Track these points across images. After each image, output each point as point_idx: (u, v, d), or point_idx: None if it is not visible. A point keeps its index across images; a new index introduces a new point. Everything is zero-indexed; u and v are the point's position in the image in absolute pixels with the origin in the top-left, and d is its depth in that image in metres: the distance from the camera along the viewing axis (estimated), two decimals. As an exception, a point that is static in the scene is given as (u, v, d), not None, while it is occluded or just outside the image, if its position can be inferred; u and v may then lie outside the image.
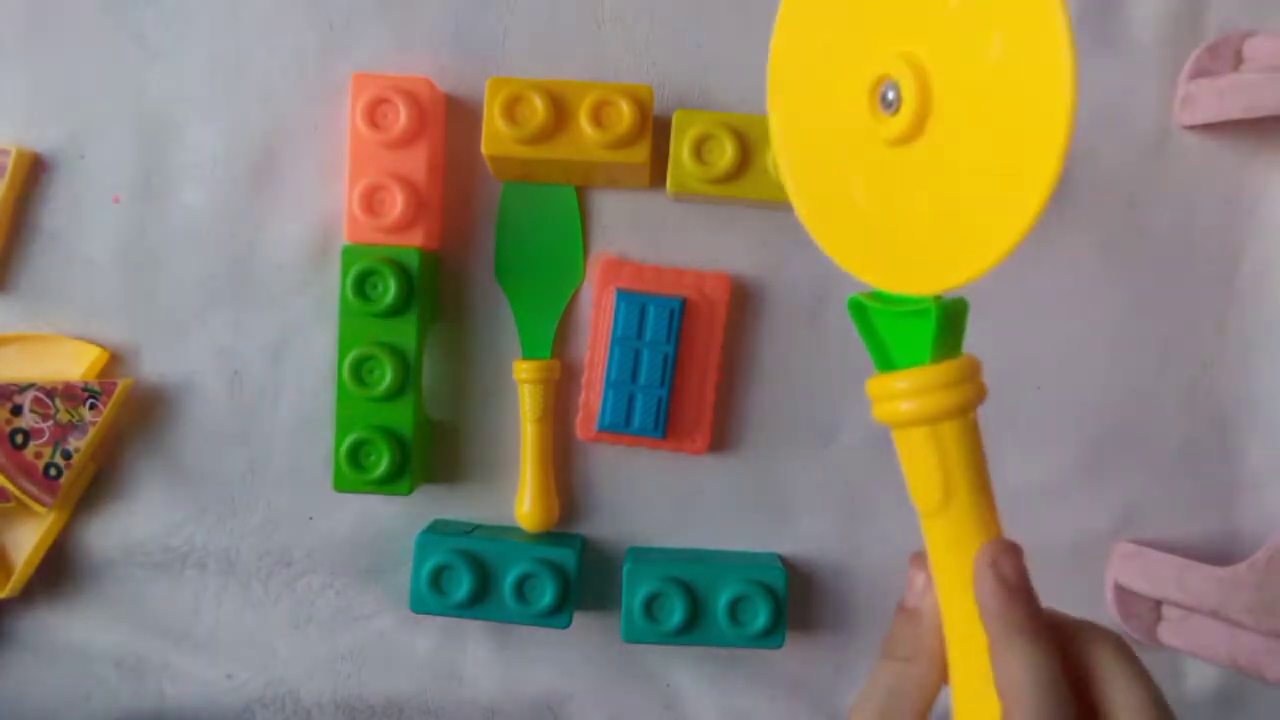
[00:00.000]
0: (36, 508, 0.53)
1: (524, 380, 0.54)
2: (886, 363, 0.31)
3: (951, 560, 0.30)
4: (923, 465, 0.30)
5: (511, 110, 0.51)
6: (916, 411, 0.30)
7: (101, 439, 0.55)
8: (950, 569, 0.30)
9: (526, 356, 0.55)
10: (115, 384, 0.54)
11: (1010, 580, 0.29)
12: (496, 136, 0.51)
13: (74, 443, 0.53)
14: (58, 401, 0.53)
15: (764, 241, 0.55)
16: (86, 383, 0.54)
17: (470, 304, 0.56)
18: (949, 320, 0.29)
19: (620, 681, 0.57)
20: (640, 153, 0.51)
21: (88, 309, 0.56)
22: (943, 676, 0.31)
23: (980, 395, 0.30)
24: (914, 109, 0.27)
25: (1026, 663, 0.28)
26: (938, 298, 0.30)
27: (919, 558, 0.32)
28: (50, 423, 0.53)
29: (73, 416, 0.53)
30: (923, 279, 0.29)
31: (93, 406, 0.53)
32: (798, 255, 0.55)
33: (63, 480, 0.53)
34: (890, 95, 0.28)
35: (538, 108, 0.50)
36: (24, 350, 0.55)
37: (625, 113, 0.50)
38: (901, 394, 0.30)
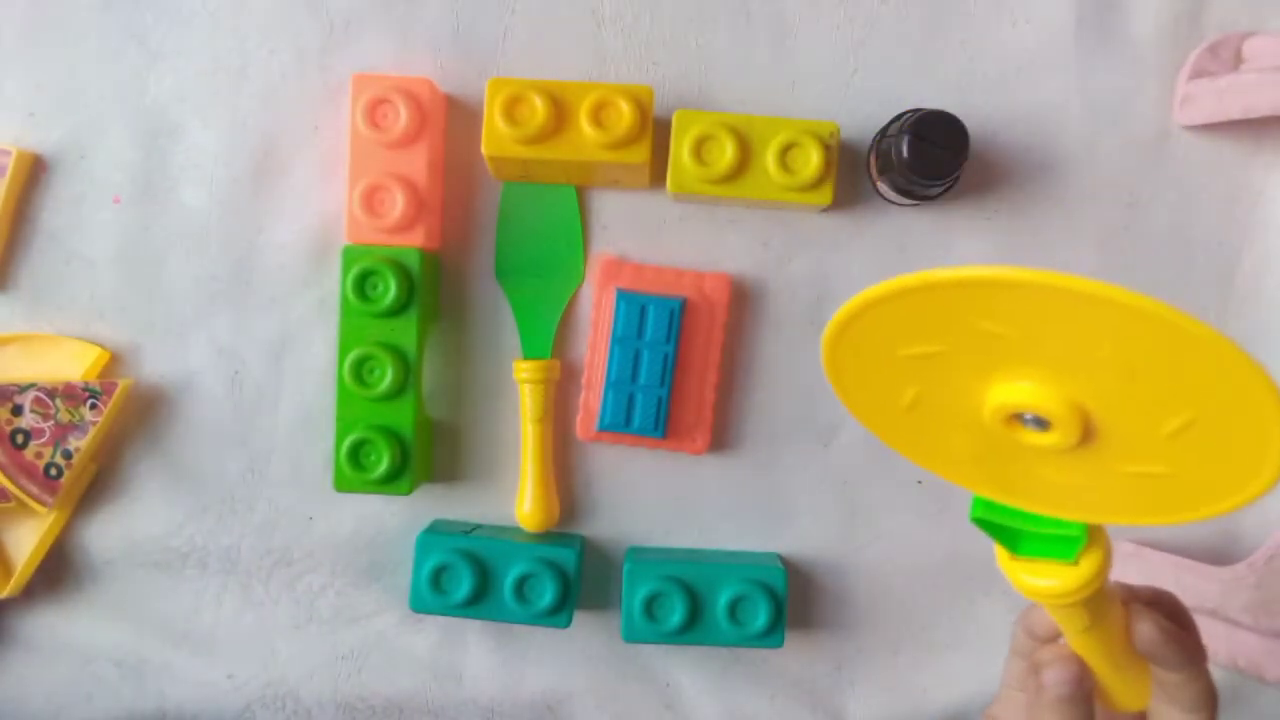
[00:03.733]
0: (37, 508, 0.53)
1: (524, 380, 0.54)
2: (1014, 546, 0.33)
3: (1108, 656, 0.34)
4: (1072, 619, 0.33)
5: (511, 110, 0.51)
6: (1073, 598, 0.31)
7: (102, 439, 0.55)
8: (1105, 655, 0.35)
9: (527, 356, 0.55)
10: (115, 384, 0.54)
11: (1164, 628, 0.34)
12: (496, 137, 0.51)
13: (74, 443, 0.53)
14: (58, 402, 0.53)
15: (764, 241, 0.55)
16: (87, 383, 0.54)
17: (470, 304, 0.56)
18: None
19: (620, 681, 0.57)
20: (640, 153, 0.51)
21: (88, 309, 0.56)
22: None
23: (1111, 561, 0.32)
24: (1070, 437, 0.27)
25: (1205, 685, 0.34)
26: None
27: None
28: (51, 423, 0.53)
29: (73, 416, 0.53)
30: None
31: (93, 406, 0.53)
32: (798, 255, 0.56)
33: (63, 480, 0.53)
34: (1031, 421, 0.27)
35: (538, 108, 0.50)
36: (25, 350, 0.55)
37: (625, 113, 0.50)
38: (1055, 593, 0.31)
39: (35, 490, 0.53)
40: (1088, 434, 0.27)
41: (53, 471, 0.53)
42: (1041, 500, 0.31)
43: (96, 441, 0.54)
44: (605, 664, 0.57)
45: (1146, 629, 0.34)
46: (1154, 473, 0.28)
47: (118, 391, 0.54)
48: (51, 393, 0.53)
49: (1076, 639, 0.34)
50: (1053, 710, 0.35)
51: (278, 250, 0.56)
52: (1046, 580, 0.31)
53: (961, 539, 0.56)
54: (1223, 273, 0.56)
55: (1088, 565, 0.31)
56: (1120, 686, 0.36)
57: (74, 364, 0.55)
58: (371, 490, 0.53)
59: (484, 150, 0.52)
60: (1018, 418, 0.28)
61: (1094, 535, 0.31)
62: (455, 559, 0.52)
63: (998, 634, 0.57)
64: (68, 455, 0.53)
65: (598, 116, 0.51)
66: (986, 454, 0.30)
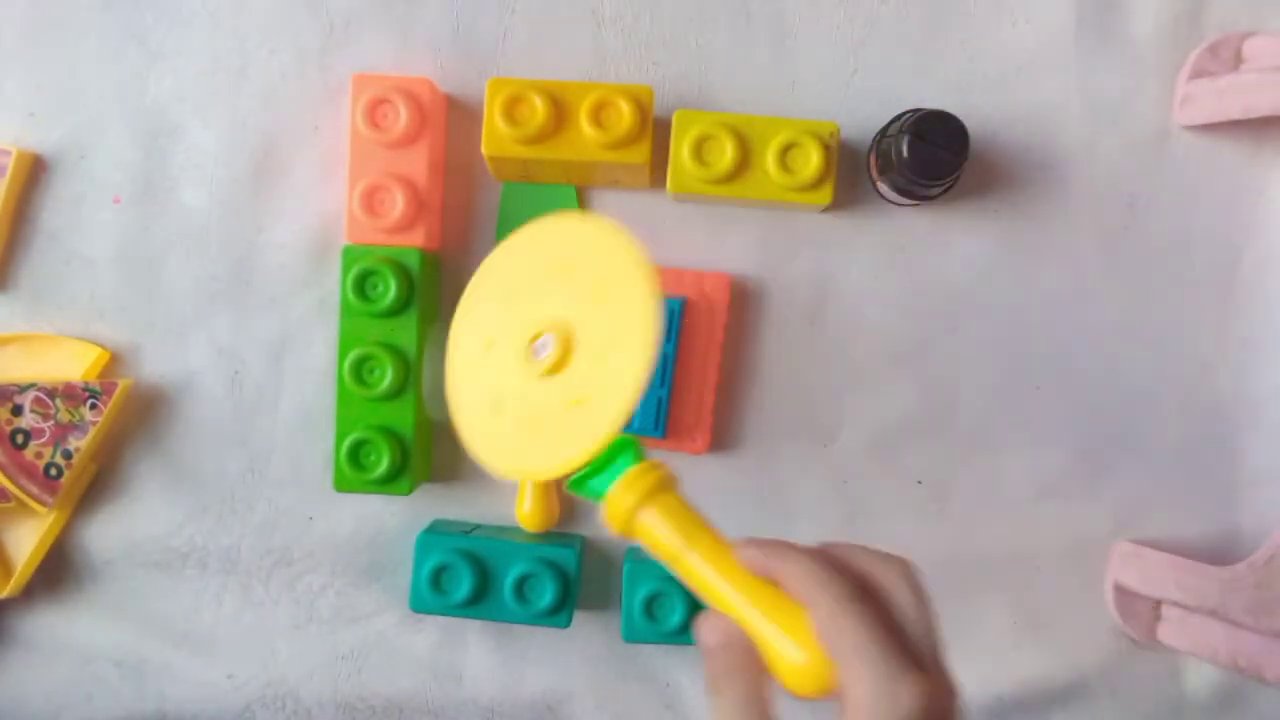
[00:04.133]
0: (37, 508, 0.53)
1: None
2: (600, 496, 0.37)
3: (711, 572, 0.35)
4: (654, 544, 0.36)
5: (511, 110, 0.51)
6: (621, 520, 0.36)
7: (102, 439, 0.55)
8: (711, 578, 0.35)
9: None
10: (115, 384, 0.54)
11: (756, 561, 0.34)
12: (496, 136, 0.51)
13: (74, 442, 0.53)
14: (58, 402, 0.53)
15: (764, 241, 0.55)
16: (87, 383, 0.54)
17: (470, 304, 0.56)
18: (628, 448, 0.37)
19: (620, 681, 0.57)
20: (640, 153, 0.51)
21: (88, 309, 0.56)
22: (766, 690, 0.33)
23: (666, 482, 0.36)
24: (558, 357, 0.37)
25: (808, 571, 0.32)
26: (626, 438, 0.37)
27: (702, 622, 0.35)
28: (51, 423, 0.53)
29: (73, 416, 0.53)
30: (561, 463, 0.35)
31: (93, 406, 0.53)
32: (798, 255, 0.55)
33: (63, 480, 0.53)
34: (541, 350, 0.38)
35: (538, 108, 0.50)
36: (25, 350, 0.55)
37: (625, 113, 0.50)
38: (616, 510, 0.36)
39: (35, 490, 0.53)
40: (565, 358, 0.37)
41: (53, 471, 0.53)
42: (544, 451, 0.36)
43: (96, 441, 0.54)
44: (605, 664, 0.57)
45: (742, 546, 0.34)
46: (582, 398, 0.36)
47: (118, 391, 0.54)
48: (51, 393, 0.53)
49: (681, 568, 0.35)
50: (709, 662, 0.33)
51: (278, 250, 0.56)
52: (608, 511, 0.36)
53: (961, 539, 0.56)
54: (1223, 272, 0.56)
55: (616, 489, 0.35)
56: (773, 635, 0.33)
57: (74, 364, 0.55)
58: (371, 490, 0.53)
59: (484, 150, 0.52)
60: (533, 353, 0.38)
61: (640, 467, 0.36)
62: (455, 559, 0.52)
63: (998, 634, 0.57)
64: (68, 455, 0.53)
65: (598, 116, 0.51)
66: (516, 408, 0.38)
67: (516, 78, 0.51)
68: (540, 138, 0.51)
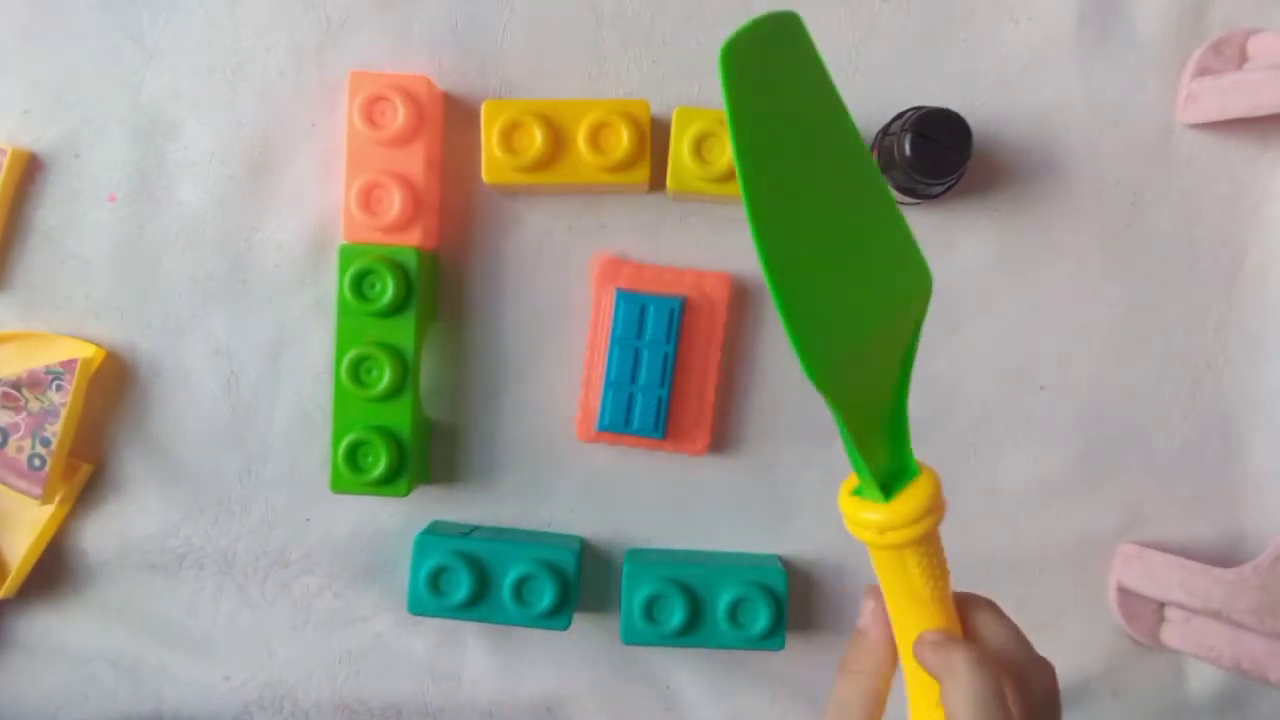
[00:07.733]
0: (29, 501, 0.53)
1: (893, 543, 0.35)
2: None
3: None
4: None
5: (509, 138, 0.51)
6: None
7: (78, 419, 0.54)
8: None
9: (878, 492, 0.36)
10: (75, 360, 0.53)
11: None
12: (496, 165, 0.51)
13: (50, 429, 0.53)
14: (25, 392, 0.53)
15: (764, 241, 0.55)
16: (48, 366, 0.53)
17: (469, 303, 0.56)
18: None
19: (620, 684, 0.57)
20: (640, 173, 0.51)
21: (84, 308, 0.55)
22: (887, 687, 0.35)
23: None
24: None
25: (967, 694, 0.31)
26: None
27: (873, 589, 0.36)
28: (24, 415, 0.53)
29: (43, 403, 0.53)
30: None
31: (59, 388, 0.53)
32: (798, 254, 0.55)
33: (48, 469, 0.53)
34: None
35: (535, 137, 0.50)
36: (20, 349, 0.55)
37: (624, 137, 0.50)
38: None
39: (24, 485, 0.53)
40: None
41: (35, 462, 0.53)
42: None
43: (72, 422, 0.53)
44: (605, 666, 0.57)
45: (918, 646, 0.33)
46: None
47: (79, 366, 0.53)
48: (16, 384, 0.53)
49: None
50: (857, 639, 0.36)
51: (274, 249, 0.55)
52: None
53: (962, 540, 0.56)
54: (1227, 272, 0.55)
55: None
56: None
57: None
58: (369, 491, 0.52)
59: (485, 178, 0.51)
60: None
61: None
62: (454, 560, 0.52)
63: (1000, 636, 0.56)
64: (46, 443, 0.53)
65: (595, 140, 0.51)
66: None
67: (512, 99, 0.51)
68: (539, 165, 0.51)
